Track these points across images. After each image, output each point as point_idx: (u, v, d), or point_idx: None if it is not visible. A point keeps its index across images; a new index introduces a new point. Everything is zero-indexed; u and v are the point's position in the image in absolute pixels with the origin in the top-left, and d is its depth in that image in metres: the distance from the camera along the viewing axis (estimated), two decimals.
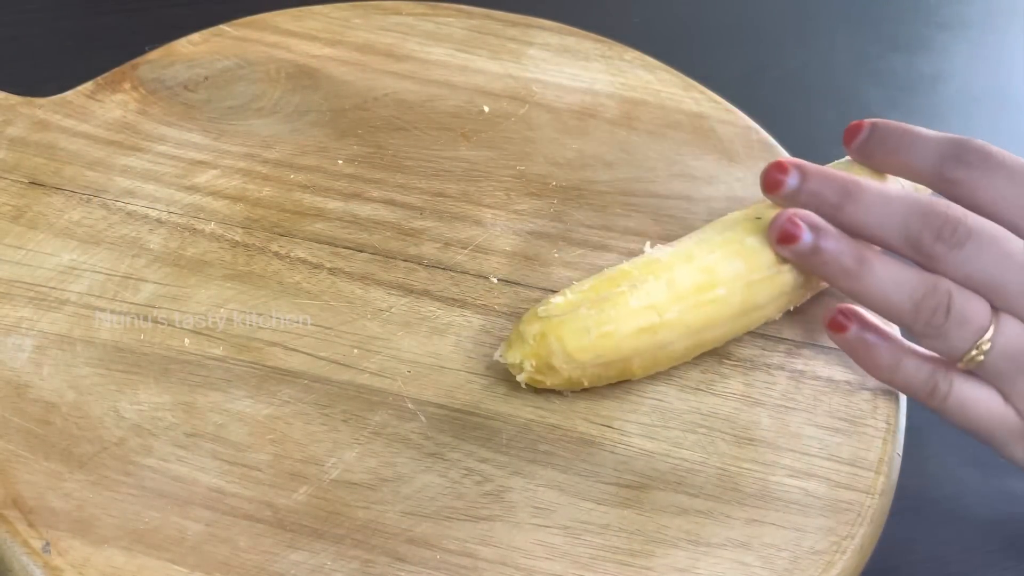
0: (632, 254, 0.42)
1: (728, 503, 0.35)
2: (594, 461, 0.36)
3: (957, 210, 0.35)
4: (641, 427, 0.37)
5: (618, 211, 0.44)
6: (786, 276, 0.38)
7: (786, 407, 0.38)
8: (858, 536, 0.35)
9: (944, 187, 0.37)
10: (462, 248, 0.42)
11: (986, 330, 0.35)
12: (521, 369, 0.36)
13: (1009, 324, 0.35)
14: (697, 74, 0.49)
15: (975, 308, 0.35)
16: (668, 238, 0.43)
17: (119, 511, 0.34)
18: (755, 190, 0.44)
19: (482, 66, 0.49)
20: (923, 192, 0.39)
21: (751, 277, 0.37)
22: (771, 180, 0.38)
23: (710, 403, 0.38)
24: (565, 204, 0.44)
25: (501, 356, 0.37)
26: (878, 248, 0.37)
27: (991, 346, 0.35)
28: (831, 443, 0.37)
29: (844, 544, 0.35)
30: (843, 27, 0.62)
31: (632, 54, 0.50)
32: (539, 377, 0.36)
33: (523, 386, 0.37)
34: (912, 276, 0.36)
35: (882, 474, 0.36)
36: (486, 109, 0.47)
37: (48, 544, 0.33)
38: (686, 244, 0.38)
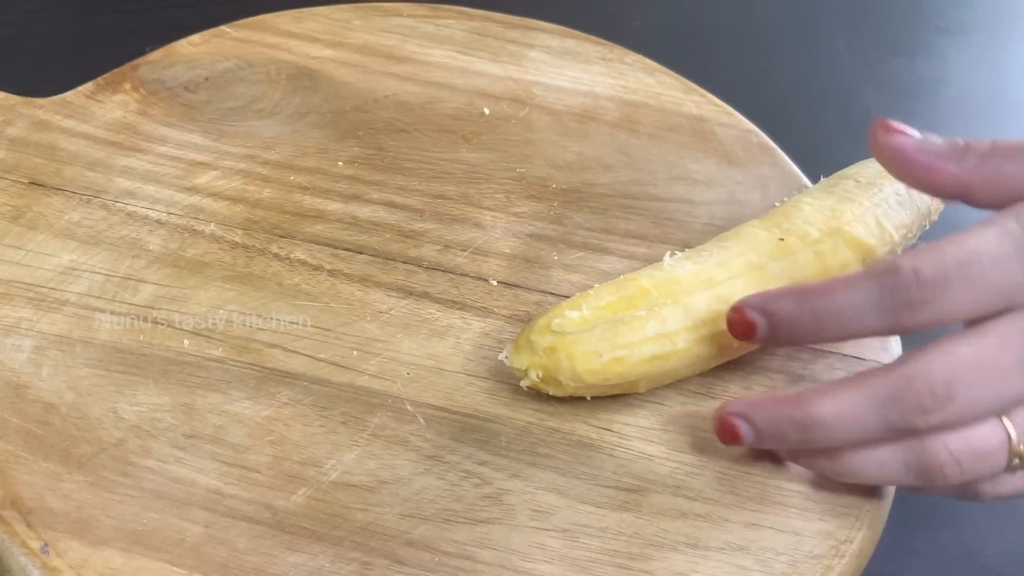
0: (632, 257, 0.42)
1: (727, 507, 0.35)
2: (593, 464, 0.36)
3: (921, 374, 0.32)
4: (640, 430, 0.37)
5: (618, 214, 0.44)
6: None
7: None
8: (857, 540, 0.35)
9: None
10: (462, 250, 0.42)
11: (1007, 444, 0.33)
12: (526, 375, 0.36)
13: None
14: (698, 77, 0.49)
15: (983, 436, 0.33)
16: (668, 241, 0.43)
17: (118, 512, 0.34)
18: (755, 194, 0.45)
19: (482, 68, 0.49)
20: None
21: None
22: (725, 433, 0.35)
23: (710, 406, 0.38)
24: (565, 207, 0.44)
25: (507, 358, 0.37)
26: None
27: None
28: None
29: (843, 548, 0.35)
30: (844, 31, 0.62)
31: (633, 57, 0.50)
32: (543, 386, 0.36)
33: (524, 389, 0.37)
34: (894, 454, 0.33)
35: None
36: (486, 111, 0.47)
37: (47, 545, 0.33)
38: (707, 263, 0.37)
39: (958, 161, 0.34)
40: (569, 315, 0.36)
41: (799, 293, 0.34)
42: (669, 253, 0.39)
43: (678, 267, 0.37)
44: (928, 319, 0.32)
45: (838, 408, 0.33)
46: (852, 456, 0.34)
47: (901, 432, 0.33)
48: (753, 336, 0.34)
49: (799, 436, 0.34)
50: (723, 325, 0.35)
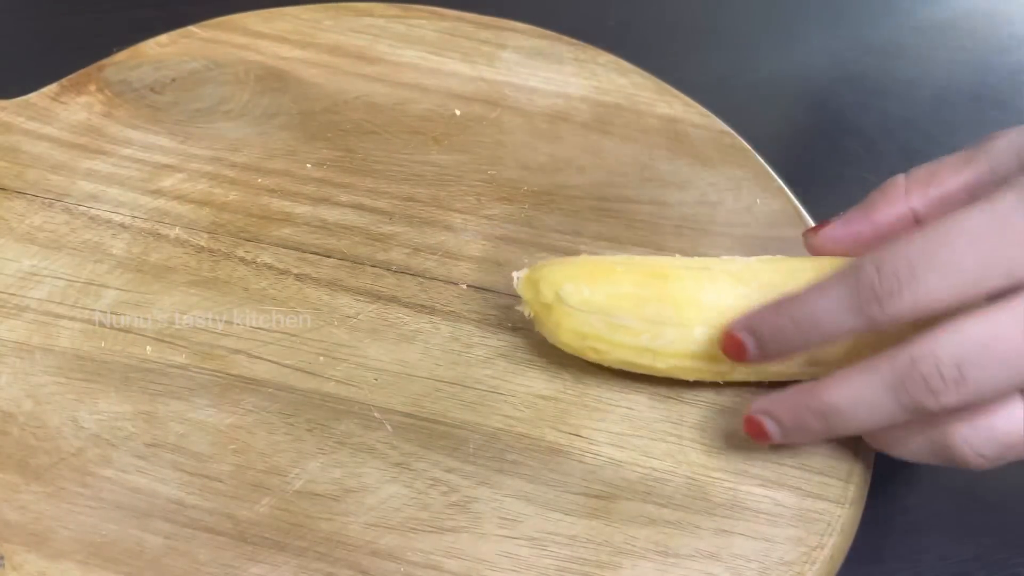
0: None
1: (697, 513, 0.35)
2: (562, 471, 0.36)
3: (927, 355, 0.31)
4: (610, 436, 0.37)
5: (590, 216, 0.43)
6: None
7: None
8: (828, 546, 0.35)
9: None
10: (431, 254, 0.41)
11: None
12: (526, 305, 0.37)
13: None
14: (671, 78, 0.49)
15: (1007, 427, 0.31)
16: (641, 244, 0.42)
17: (76, 524, 0.33)
18: (729, 195, 0.44)
19: (454, 69, 0.49)
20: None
21: (771, 368, 0.36)
22: (753, 431, 0.35)
23: (680, 411, 0.37)
24: (536, 209, 0.43)
25: (518, 281, 0.37)
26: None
27: None
28: (802, 452, 0.37)
29: (814, 555, 0.34)
30: (818, 31, 0.62)
31: (606, 57, 0.50)
32: (533, 323, 0.37)
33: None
34: (921, 441, 0.33)
35: (853, 484, 0.36)
36: (457, 113, 0.47)
37: (2, 558, 0.32)
38: (751, 292, 0.35)
39: (892, 202, 0.35)
40: (583, 292, 0.35)
41: (776, 305, 0.34)
42: (727, 257, 0.37)
43: (720, 286, 0.35)
44: (900, 311, 0.31)
45: (851, 394, 0.32)
46: (884, 436, 0.34)
47: (914, 414, 0.32)
48: (746, 355, 0.34)
49: (820, 425, 0.33)
50: (715, 367, 0.36)
